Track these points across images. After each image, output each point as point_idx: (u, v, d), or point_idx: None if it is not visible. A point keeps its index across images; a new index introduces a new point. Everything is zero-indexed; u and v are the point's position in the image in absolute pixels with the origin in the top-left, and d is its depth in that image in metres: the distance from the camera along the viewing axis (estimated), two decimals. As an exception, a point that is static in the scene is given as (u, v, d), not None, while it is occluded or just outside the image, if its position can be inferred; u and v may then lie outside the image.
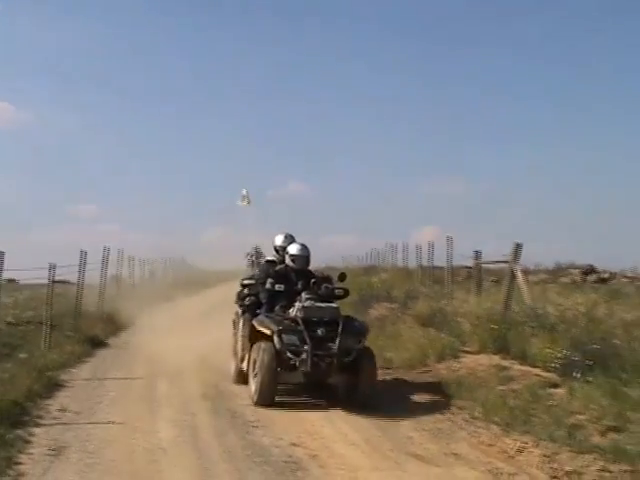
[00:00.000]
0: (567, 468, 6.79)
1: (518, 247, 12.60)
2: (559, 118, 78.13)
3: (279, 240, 11.30)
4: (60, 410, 9.19)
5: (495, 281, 19.53)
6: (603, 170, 70.56)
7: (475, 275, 14.99)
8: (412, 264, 23.89)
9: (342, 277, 10.86)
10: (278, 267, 10.70)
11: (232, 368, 11.05)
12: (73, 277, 17.52)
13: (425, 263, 21.64)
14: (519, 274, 12.52)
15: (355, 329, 9.66)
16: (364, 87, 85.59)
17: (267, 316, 9.95)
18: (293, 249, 10.57)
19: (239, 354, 10.67)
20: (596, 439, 7.33)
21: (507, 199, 70.01)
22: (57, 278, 14.42)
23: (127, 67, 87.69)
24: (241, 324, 10.92)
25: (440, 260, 19.91)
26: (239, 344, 10.75)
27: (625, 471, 6.52)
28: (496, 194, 71.38)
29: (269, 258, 11.59)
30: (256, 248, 31.55)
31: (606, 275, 23.31)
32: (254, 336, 9.93)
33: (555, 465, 6.90)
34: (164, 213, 76.66)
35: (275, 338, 9.28)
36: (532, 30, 75.86)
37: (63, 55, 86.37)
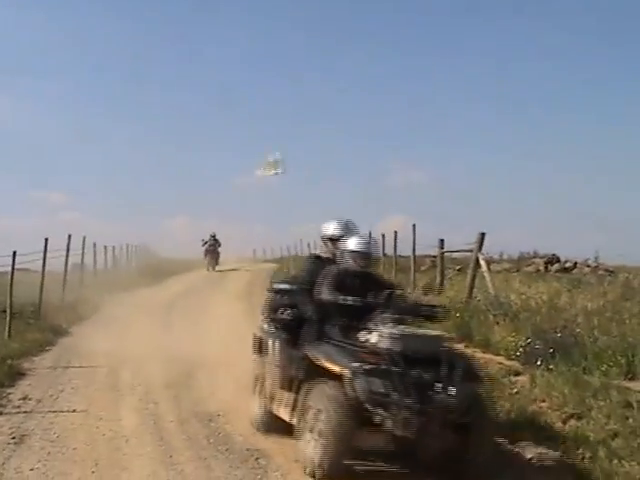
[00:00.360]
0: (528, 455, 6.87)
1: (482, 236, 12.70)
2: (524, 107, 78.76)
3: (331, 228, 7.96)
4: (22, 399, 9.12)
5: (459, 270, 19.70)
6: (568, 159, 71.41)
7: (439, 264, 15.05)
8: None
9: (429, 287, 8.88)
10: (330, 267, 7.43)
11: (255, 410, 8.01)
12: (34, 265, 17.33)
13: (390, 252, 21.66)
14: (483, 263, 12.62)
15: (471, 369, 6.43)
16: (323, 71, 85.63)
17: (334, 343, 6.69)
18: (354, 243, 7.25)
19: (269, 391, 7.62)
20: (558, 426, 7.42)
21: (472, 189, 70.43)
22: (18, 266, 14.24)
23: (90, 48, 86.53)
24: (274, 348, 7.57)
25: (404, 249, 19.97)
26: (270, 378, 7.59)
27: (585, 458, 6.61)
28: (461, 184, 71.93)
29: (318, 253, 8.43)
30: (212, 234, 34.27)
31: (569, 265, 23.52)
32: (308, 371, 6.77)
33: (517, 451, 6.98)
34: (128, 201, 76.22)
35: (351, 380, 6.01)
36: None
37: (19, 38, 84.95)
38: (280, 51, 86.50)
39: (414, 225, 18.00)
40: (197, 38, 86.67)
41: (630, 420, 7.02)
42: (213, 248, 34.10)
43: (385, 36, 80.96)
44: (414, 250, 18.04)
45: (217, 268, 33.41)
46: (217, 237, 34.65)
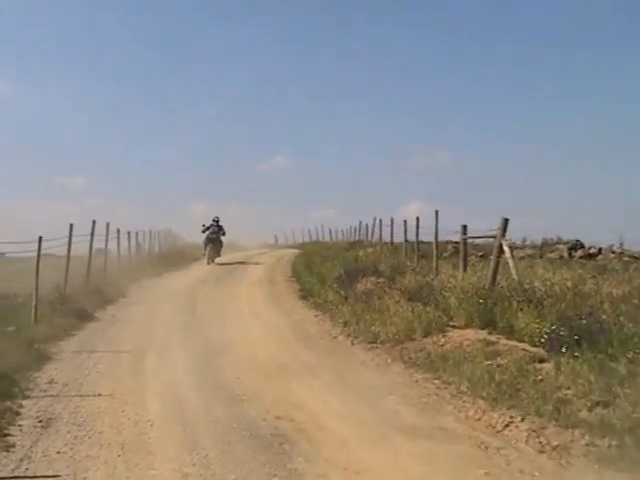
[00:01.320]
0: (554, 442, 6.84)
1: (505, 222, 12.61)
2: (545, 93, 78.03)
3: None
4: (49, 382, 9.23)
5: (481, 256, 19.58)
6: (592, 146, 70.73)
7: (462, 249, 14.97)
8: (398, 239, 23.84)
9: None
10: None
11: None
12: (59, 250, 17.43)
13: (412, 238, 21.63)
14: (506, 249, 12.53)
15: None
16: (350, 60, 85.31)
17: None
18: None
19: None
20: (583, 414, 7.34)
21: (493, 173, 70.06)
22: (44, 252, 14.34)
23: (116, 40, 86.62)
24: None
25: (426, 235, 19.94)
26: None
27: (612, 446, 6.56)
28: (482, 169, 71.59)
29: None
30: (215, 219, 28.96)
31: (593, 251, 23.32)
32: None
33: (542, 439, 6.94)
34: (152, 186, 76.54)
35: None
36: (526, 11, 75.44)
37: (47, 29, 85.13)
38: (303, 34, 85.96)
39: (437, 211, 17.96)
40: (227, 29, 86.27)
41: (656, 407, 6.94)
42: (215, 236, 28.81)
43: (414, 18, 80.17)
44: (436, 236, 17.99)
45: (217, 260, 28.44)
46: (221, 223, 29.26)
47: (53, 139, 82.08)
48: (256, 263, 27.82)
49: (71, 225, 16.55)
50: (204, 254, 28.33)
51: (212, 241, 28.40)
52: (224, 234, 29.08)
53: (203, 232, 28.87)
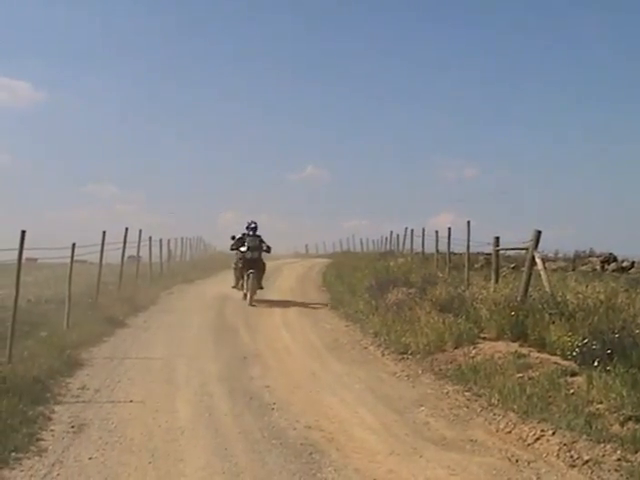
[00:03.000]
0: (585, 457, 6.76)
1: (538, 234, 12.53)
2: (577, 107, 77.45)
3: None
4: (80, 388, 9.30)
5: (513, 268, 19.49)
6: (623, 158, 70.04)
7: (494, 261, 14.90)
8: (429, 250, 23.78)
9: None
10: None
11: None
12: (91, 257, 17.63)
13: (443, 249, 21.55)
14: (539, 261, 12.45)
15: None
16: (381, 73, 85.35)
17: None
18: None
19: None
20: (615, 428, 7.25)
21: (524, 186, 69.62)
22: (77, 258, 14.50)
23: (151, 48, 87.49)
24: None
25: (456, 246, 19.89)
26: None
27: (641, 461, 6.49)
28: (512, 181, 71.22)
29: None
30: (252, 224, 18.93)
31: (626, 264, 23.08)
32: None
33: (573, 453, 6.87)
34: (186, 195, 77.11)
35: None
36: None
37: (81, 35, 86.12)
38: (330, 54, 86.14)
39: (468, 222, 17.90)
40: (251, 39, 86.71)
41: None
42: (257, 255, 18.80)
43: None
44: (468, 247, 17.92)
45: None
46: (259, 231, 19.14)
47: (86, 146, 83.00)
48: (287, 273, 27.81)
49: (104, 232, 16.70)
50: (239, 285, 19.41)
51: (252, 264, 18.55)
52: (268, 250, 19.21)
53: (235, 248, 19.20)
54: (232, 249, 19.26)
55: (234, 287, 19.43)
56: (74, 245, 13.92)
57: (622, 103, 75.49)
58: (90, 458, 6.65)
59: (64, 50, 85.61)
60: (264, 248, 18.79)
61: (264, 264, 19.10)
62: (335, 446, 7.15)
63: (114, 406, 8.46)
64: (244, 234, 18.80)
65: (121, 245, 19.63)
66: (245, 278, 18.57)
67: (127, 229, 19.72)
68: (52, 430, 7.45)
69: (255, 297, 18.35)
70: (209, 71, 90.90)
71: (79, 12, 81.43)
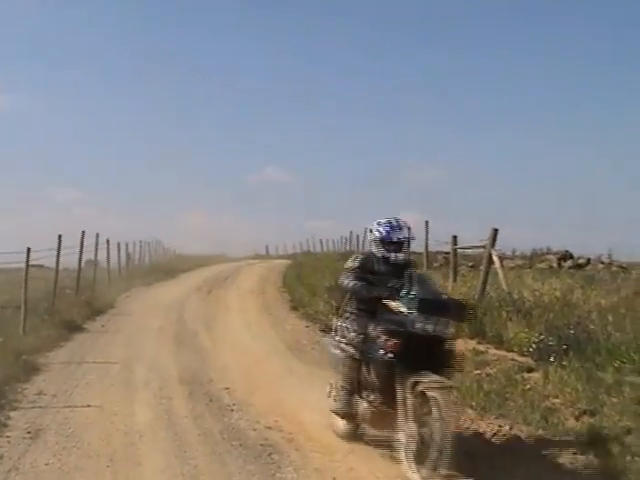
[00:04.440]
0: (542, 451, 6.86)
1: (495, 232, 12.66)
2: (535, 106, 78.48)
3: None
4: (37, 394, 9.18)
5: (472, 266, 19.66)
6: (580, 157, 71.11)
7: (452, 260, 15.03)
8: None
9: None
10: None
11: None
12: (48, 262, 17.43)
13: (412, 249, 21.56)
14: (496, 259, 12.58)
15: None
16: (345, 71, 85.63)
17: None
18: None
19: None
20: (571, 423, 7.39)
21: (482, 185, 70.35)
22: (34, 262, 14.33)
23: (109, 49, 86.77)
24: None
25: (418, 246, 19.95)
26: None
27: (598, 454, 6.59)
28: (471, 180, 71.92)
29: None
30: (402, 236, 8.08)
31: (582, 261, 23.44)
32: None
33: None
34: (142, 197, 76.55)
35: None
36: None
37: (42, 38, 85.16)
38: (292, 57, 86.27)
39: (426, 222, 18.01)
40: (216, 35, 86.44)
41: (642, 416, 6.99)
42: (442, 330, 6.20)
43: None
44: (426, 247, 18.02)
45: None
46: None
47: (46, 150, 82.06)
48: (247, 275, 27.72)
49: (59, 236, 16.52)
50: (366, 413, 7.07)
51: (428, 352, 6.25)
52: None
53: (349, 281, 6.97)
54: (350, 286, 7.02)
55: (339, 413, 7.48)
56: (29, 250, 13.75)
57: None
58: (47, 464, 6.57)
59: (20, 50, 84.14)
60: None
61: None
62: (295, 446, 7.14)
63: (71, 411, 8.36)
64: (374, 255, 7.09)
65: (79, 249, 19.43)
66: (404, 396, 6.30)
67: (84, 233, 19.50)
68: (8, 436, 7.34)
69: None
70: (165, 71, 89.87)
71: (34, 9, 79.99)
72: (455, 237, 15.01)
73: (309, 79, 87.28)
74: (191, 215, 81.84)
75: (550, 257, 24.18)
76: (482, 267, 12.93)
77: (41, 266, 18.81)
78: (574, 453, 6.73)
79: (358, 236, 30.90)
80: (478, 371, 9.42)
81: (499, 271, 12.53)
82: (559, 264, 23.46)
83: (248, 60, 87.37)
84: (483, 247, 13.03)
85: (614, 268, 21.30)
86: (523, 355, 9.75)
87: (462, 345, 10.66)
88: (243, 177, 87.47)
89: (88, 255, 22.46)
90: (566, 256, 24.13)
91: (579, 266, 23.00)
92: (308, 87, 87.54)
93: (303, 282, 21.95)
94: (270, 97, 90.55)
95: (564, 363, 8.68)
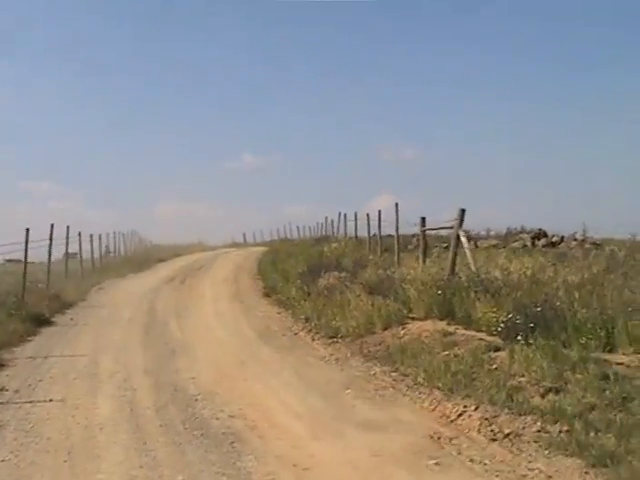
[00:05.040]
0: (506, 430, 6.82)
1: (462, 212, 12.61)
2: (509, 81, 78.53)
3: None
4: (-1, 390, 9.03)
5: (446, 247, 19.61)
6: (554, 136, 71.33)
7: (421, 241, 14.98)
8: (366, 233, 23.77)
9: None
10: None
11: None
12: (21, 255, 17.24)
13: (380, 232, 21.57)
14: (463, 239, 12.54)
15: None
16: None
17: None
18: None
19: None
20: (536, 400, 7.33)
21: (460, 165, 70.46)
22: (9, 257, 14.18)
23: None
24: None
25: (392, 229, 19.94)
26: None
27: (562, 431, 6.56)
28: (449, 161, 71.98)
29: None
30: None
31: (556, 239, 23.49)
32: None
33: (495, 427, 6.92)
34: (119, 188, 76.11)
35: None
36: None
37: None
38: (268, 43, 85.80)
39: (396, 204, 18.05)
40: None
41: (607, 392, 6.95)
42: None
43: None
44: (397, 229, 18.04)
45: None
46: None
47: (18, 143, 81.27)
48: (223, 263, 27.58)
49: (27, 229, 16.34)
50: None
51: None
52: None
53: None
54: None
55: None
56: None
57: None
58: (2, 460, 6.45)
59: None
60: None
61: None
62: (258, 434, 7.07)
63: (33, 406, 8.23)
64: None
65: (60, 242, 19.30)
66: None
67: (53, 226, 19.34)
68: (-35, 435, 7.21)
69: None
70: (132, 58, 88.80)
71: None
72: (423, 219, 14.95)
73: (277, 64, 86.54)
74: (168, 204, 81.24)
75: (524, 236, 24.22)
76: (450, 248, 12.88)
77: (19, 260, 18.68)
78: (538, 431, 6.68)
79: (333, 221, 30.84)
80: (446, 352, 9.35)
81: (467, 251, 12.51)
82: (533, 242, 23.52)
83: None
84: (451, 228, 12.98)
85: (587, 245, 21.35)
86: (492, 335, 9.70)
87: (432, 326, 10.69)
88: (220, 164, 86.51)
89: (64, 248, 22.39)
90: (540, 235, 24.19)
91: (553, 244, 23.06)
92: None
93: (277, 269, 21.86)
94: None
95: (530, 341, 8.62)
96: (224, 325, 13.78)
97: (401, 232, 18.84)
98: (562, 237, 23.54)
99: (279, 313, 15.11)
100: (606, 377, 7.28)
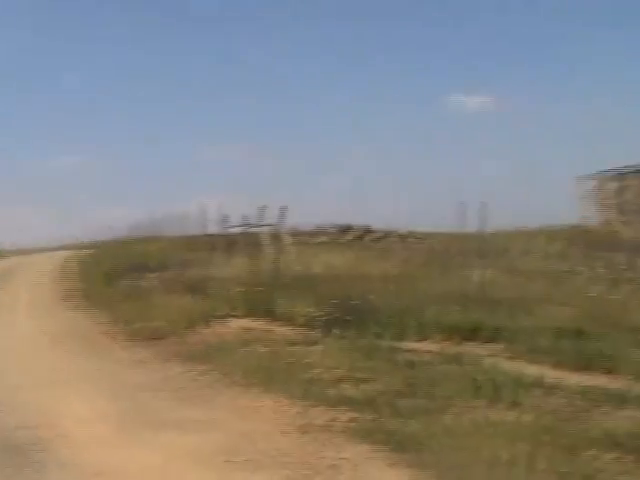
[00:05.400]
0: (318, 422, 6.80)
1: (282, 210, 12.70)
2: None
3: None
4: None
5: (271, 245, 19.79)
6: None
7: (242, 240, 15.05)
8: (196, 232, 23.47)
9: None
10: None
11: None
12: None
13: (212, 230, 21.37)
14: (284, 236, 12.65)
15: None
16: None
17: None
18: None
19: None
20: (348, 391, 7.44)
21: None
22: None
23: None
24: None
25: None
26: None
27: (371, 420, 6.62)
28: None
29: None
30: None
31: (380, 235, 24.26)
32: None
33: (307, 420, 6.89)
34: None
35: None
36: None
37: None
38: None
39: (220, 203, 18.03)
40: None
41: (413, 379, 7.11)
42: None
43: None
44: (222, 228, 17.99)
45: None
46: None
47: None
48: (37, 267, 26.29)
49: None
50: None
51: None
52: None
53: None
54: None
55: None
56: None
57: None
58: None
59: None
60: None
61: None
62: (42, 446, 6.52)
63: None
64: None
65: None
66: None
67: None
68: None
69: None
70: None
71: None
72: (245, 217, 15.06)
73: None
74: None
75: (331, 231, 25.00)
76: (269, 246, 12.98)
77: None
78: (349, 421, 6.70)
79: (159, 221, 30.39)
80: (264, 349, 9.36)
81: (288, 248, 12.65)
82: (360, 238, 24.20)
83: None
84: (270, 225, 13.07)
85: (411, 239, 22.16)
86: (310, 329, 9.81)
87: (249, 324, 10.63)
88: (40, 166, 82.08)
89: None
90: (366, 231, 24.93)
91: (378, 239, 23.79)
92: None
93: (90, 272, 21.07)
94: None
95: (344, 335, 8.73)
96: (21, 334, 12.72)
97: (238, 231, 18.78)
98: (386, 232, 24.34)
99: (86, 317, 14.45)
100: (412, 364, 7.47)
